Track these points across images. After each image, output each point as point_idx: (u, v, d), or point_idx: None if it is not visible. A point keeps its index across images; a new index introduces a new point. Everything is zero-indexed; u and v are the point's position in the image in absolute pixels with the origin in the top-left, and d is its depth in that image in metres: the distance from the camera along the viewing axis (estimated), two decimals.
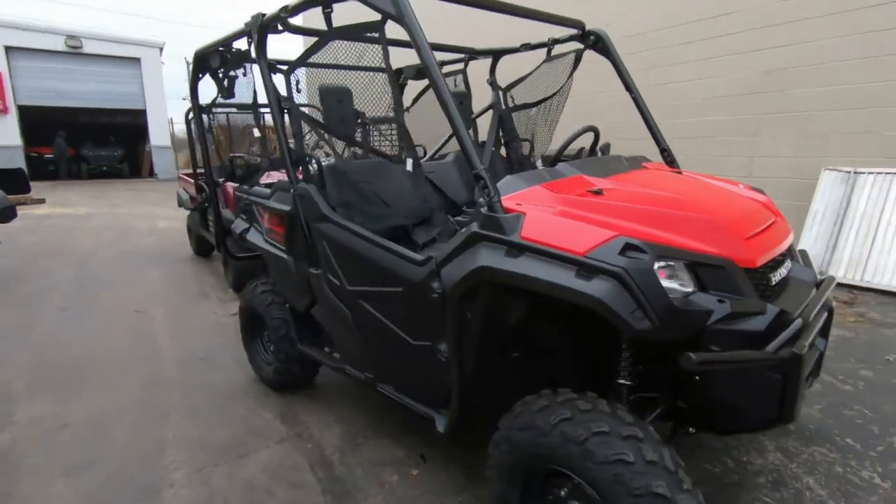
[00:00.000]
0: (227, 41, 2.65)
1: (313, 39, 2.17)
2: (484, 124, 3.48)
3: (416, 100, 4.02)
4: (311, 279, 2.42)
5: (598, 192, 1.74)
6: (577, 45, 2.91)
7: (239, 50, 2.72)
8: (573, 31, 2.82)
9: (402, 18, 1.68)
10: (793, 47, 5.25)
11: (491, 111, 3.43)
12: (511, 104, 3.37)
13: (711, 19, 5.87)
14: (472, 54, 3.58)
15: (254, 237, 2.95)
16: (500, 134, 3.40)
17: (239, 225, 3.19)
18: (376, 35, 1.91)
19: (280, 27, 2.25)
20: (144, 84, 19.38)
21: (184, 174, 7.22)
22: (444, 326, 1.77)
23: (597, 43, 2.79)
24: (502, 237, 1.53)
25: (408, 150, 1.99)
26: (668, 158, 2.70)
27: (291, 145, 2.34)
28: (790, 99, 5.34)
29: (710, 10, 5.88)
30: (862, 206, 4.69)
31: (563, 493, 1.54)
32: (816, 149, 5.19)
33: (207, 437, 2.61)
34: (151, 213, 10.89)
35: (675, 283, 1.42)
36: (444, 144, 3.99)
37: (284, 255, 2.58)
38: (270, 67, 2.31)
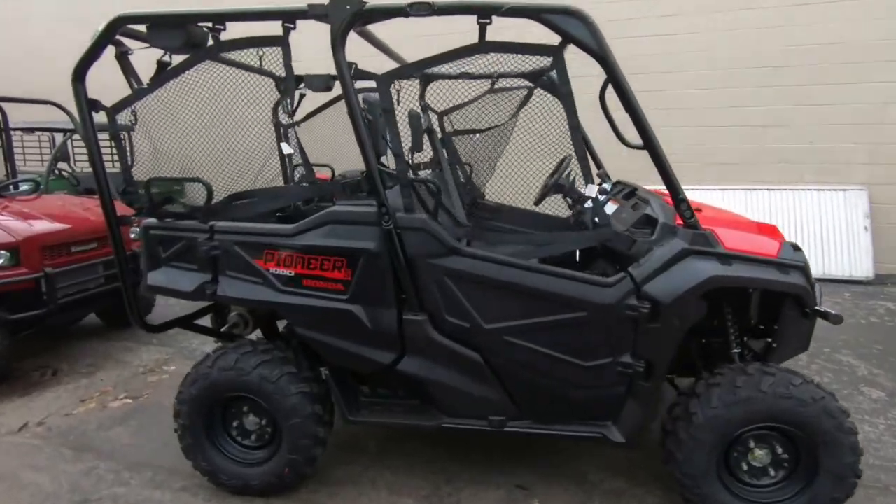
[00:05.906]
0: (222, 18, 1.86)
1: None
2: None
3: (311, 114, 3.58)
4: (406, 328, 2.01)
5: (699, 210, 2.23)
6: (523, 82, 3.27)
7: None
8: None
9: (604, 58, 1.74)
10: None
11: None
12: (449, 128, 3.44)
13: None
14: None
15: (242, 290, 2.12)
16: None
17: (172, 278, 2.20)
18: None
19: (365, 24, 1.81)
20: None
21: None
22: (631, 340, 1.91)
23: (552, 84, 3.20)
24: (712, 250, 1.84)
25: (587, 178, 1.98)
26: None
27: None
28: None
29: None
30: None
31: (751, 444, 1.96)
32: None
33: None
34: None
35: None
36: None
37: (346, 306, 2.02)
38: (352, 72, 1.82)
